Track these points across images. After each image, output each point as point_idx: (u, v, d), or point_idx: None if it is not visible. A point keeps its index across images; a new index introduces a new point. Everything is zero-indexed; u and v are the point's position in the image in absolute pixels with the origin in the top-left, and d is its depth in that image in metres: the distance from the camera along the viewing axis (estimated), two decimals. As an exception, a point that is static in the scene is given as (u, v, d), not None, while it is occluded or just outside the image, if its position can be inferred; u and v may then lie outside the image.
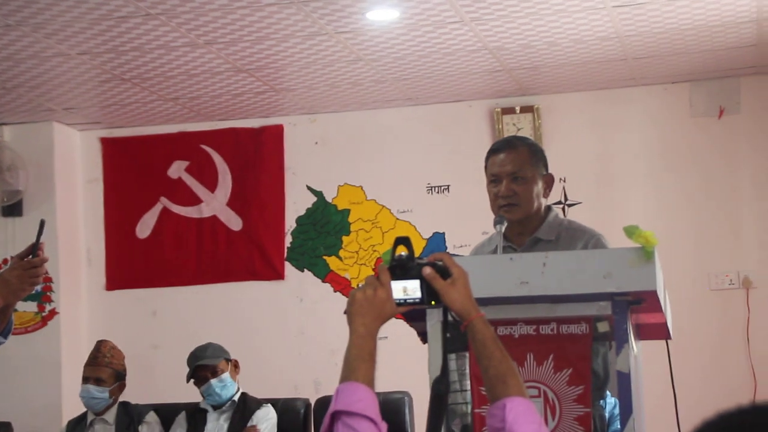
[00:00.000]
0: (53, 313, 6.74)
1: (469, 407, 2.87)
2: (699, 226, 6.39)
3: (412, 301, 2.35)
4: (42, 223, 3.42)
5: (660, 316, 2.98)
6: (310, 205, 6.88)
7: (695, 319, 6.18)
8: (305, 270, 6.84)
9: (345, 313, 2.35)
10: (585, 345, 2.81)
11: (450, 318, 2.38)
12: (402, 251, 2.36)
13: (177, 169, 7.00)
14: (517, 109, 6.58)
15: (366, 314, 2.30)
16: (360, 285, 2.36)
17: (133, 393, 6.06)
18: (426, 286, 2.34)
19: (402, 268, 2.34)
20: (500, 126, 6.54)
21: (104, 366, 5.70)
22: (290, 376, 6.60)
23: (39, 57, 5.47)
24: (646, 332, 3.14)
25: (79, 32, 5.11)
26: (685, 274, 6.21)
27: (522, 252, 3.46)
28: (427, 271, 2.34)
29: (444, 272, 2.35)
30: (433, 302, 2.35)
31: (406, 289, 2.34)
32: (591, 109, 6.59)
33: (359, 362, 2.27)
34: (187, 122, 6.92)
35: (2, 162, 6.63)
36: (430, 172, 6.73)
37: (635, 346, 2.93)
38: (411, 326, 3.10)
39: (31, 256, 3.40)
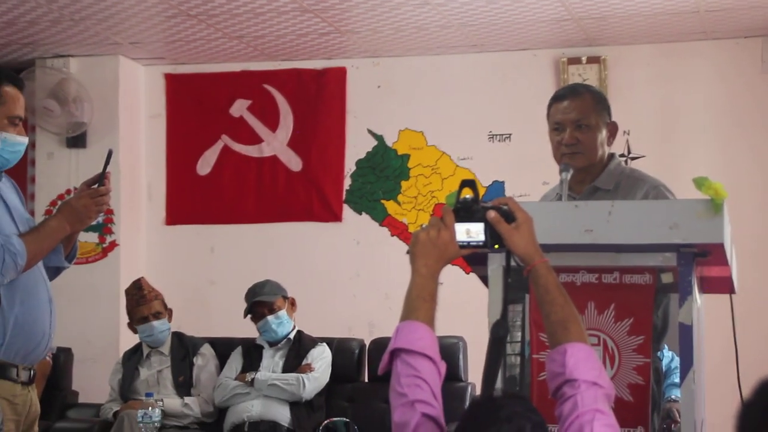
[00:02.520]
0: (113, 245, 6.83)
1: (518, 358, 2.86)
2: (765, 183, 6.29)
3: (475, 243, 2.34)
4: (110, 153, 3.45)
5: (725, 270, 2.94)
6: (370, 149, 6.87)
7: (760, 275, 6.10)
8: (363, 213, 6.86)
9: (408, 253, 2.35)
10: (648, 295, 2.78)
11: (513, 262, 2.38)
12: (467, 194, 2.35)
13: (239, 108, 7.02)
14: (584, 59, 6.49)
15: (429, 255, 2.30)
16: (424, 226, 2.36)
17: (190, 327, 6.14)
18: (490, 230, 2.33)
19: (467, 211, 2.33)
20: (565, 76, 6.46)
21: (154, 300, 5.77)
22: (345, 317, 6.64)
23: (107, -11, 5.49)
24: (709, 285, 3.10)
25: (148, -35, 5.13)
26: (750, 230, 6.12)
27: (580, 200, 3.43)
28: (492, 214, 2.33)
29: (508, 216, 2.34)
30: (496, 246, 2.34)
31: (470, 232, 2.34)
32: (659, 62, 6.48)
33: (420, 302, 2.27)
34: (251, 61, 6.93)
35: (68, 93, 6.69)
36: (493, 120, 6.69)
37: (698, 298, 2.90)
38: (472, 270, 3.09)
39: (97, 185, 3.44)
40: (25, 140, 3.41)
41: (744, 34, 6.30)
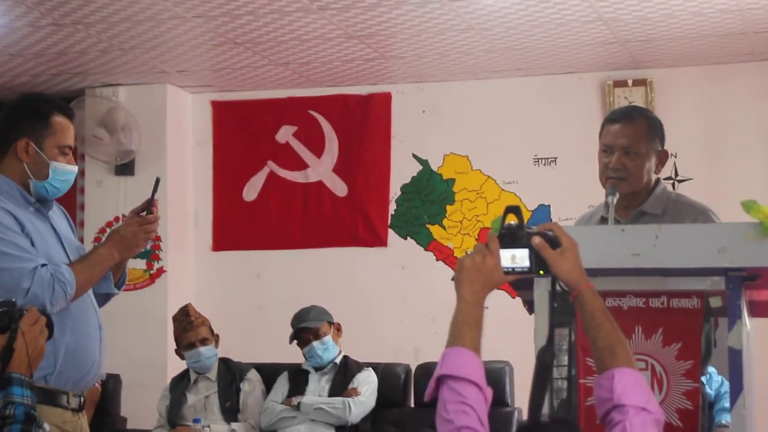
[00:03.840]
0: (161, 271, 6.89)
1: (565, 383, 2.84)
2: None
3: (520, 269, 2.34)
4: (157, 181, 3.49)
5: (774, 294, 2.92)
6: (415, 174, 6.89)
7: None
8: (408, 238, 6.87)
9: (453, 279, 2.35)
10: (696, 319, 2.76)
11: (558, 288, 2.37)
12: (512, 220, 2.35)
13: (285, 134, 7.07)
14: (630, 82, 6.47)
15: (474, 281, 2.30)
16: (469, 252, 2.36)
17: (236, 353, 6.17)
18: (535, 256, 2.33)
19: (511, 237, 2.33)
20: (611, 99, 6.44)
21: (201, 326, 5.80)
22: (390, 342, 6.64)
23: (155, 19, 5.56)
24: (759, 309, 3.07)
25: (195, -5, 5.19)
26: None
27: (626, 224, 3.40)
28: (537, 240, 2.32)
29: (554, 242, 2.33)
30: (541, 271, 2.33)
31: (515, 258, 2.33)
32: (706, 84, 6.44)
33: (466, 328, 2.27)
34: (297, 87, 6.98)
35: (117, 122, 6.77)
36: (538, 144, 6.68)
37: (748, 322, 2.87)
38: (517, 295, 3.08)
39: (145, 212, 3.48)
40: (74, 169, 3.45)
41: (792, 55, 6.25)
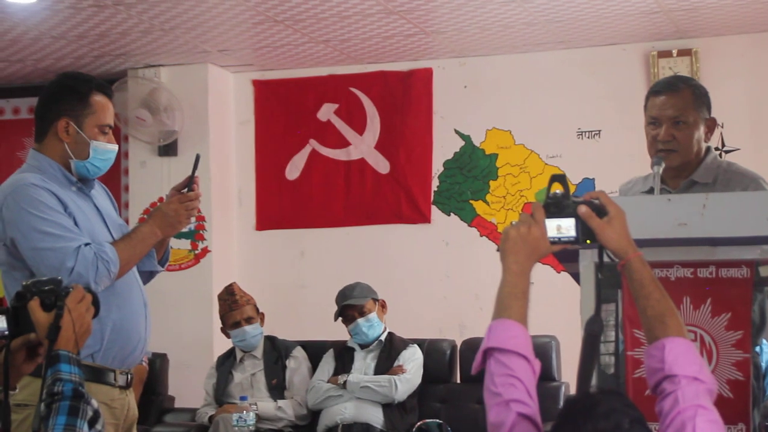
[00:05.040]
0: (206, 251, 6.92)
1: (612, 358, 2.81)
2: None
3: (566, 239, 2.31)
4: (197, 158, 3.48)
5: (825, 262, 2.86)
6: (457, 149, 6.85)
7: None
8: (452, 214, 6.84)
9: (498, 250, 2.33)
10: (745, 289, 2.71)
11: (606, 258, 2.33)
12: (557, 189, 2.32)
13: (326, 112, 7.05)
14: (674, 52, 6.38)
15: (520, 252, 2.27)
16: (514, 222, 2.33)
17: (281, 331, 6.19)
18: (581, 225, 2.29)
19: (557, 206, 2.30)
20: (656, 70, 6.35)
21: (246, 305, 5.82)
22: (435, 318, 6.62)
23: (195, -2, 5.56)
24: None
25: (234, -27, 5.18)
26: None
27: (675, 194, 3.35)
28: (583, 209, 2.29)
29: (600, 211, 2.30)
30: (588, 241, 2.30)
31: (561, 228, 2.30)
32: (752, 53, 6.34)
33: (512, 300, 2.24)
34: (337, 65, 6.96)
35: (159, 103, 6.79)
36: (581, 117, 6.61)
37: (798, 292, 2.83)
38: (563, 267, 3.05)
39: (186, 189, 3.48)
40: (115, 148, 3.46)
41: (841, 21, 6.13)
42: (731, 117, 6.20)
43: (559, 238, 2.30)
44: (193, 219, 3.54)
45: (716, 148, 6.21)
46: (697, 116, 3.44)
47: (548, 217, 2.29)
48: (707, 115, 3.48)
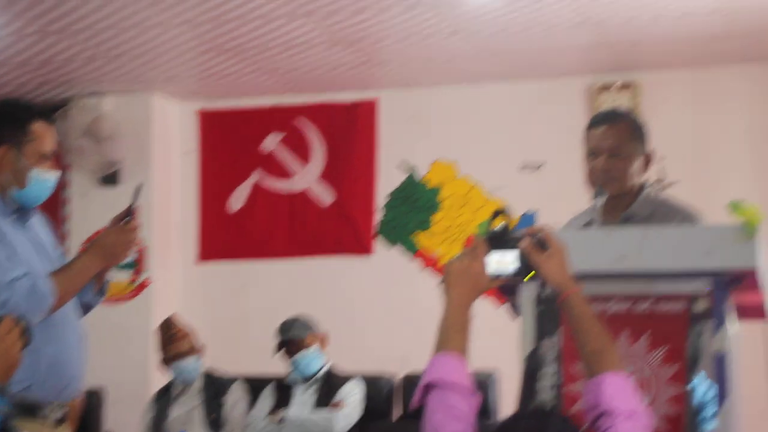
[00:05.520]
0: (145, 283, 6.85)
1: (551, 391, 2.81)
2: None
3: (508, 273, 2.32)
4: (138, 188, 3.45)
5: (759, 297, 2.89)
6: (401, 181, 6.86)
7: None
8: (394, 246, 6.83)
9: (440, 283, 2.33)
10: (682, 323, 2.74)
11: (547, 292, 2.35)
12: (499, 222, 2.33)
13: (271, 142, 7.04)
14: (616, 85, 6.46)
15: (462, 285, 2.28)
16: (456, 255, 2.34)
17: (222, 364, 6.13)
18: (522, 259, 2.30)
19: (499, 240, 2.31)
20: (598, 103, 6.43)
21: (185, 337, 5.75)
22: (378, 351, 6.60)
23: (141, 26, 5.53)
24: (743, 312, 3.05)
25: (181, 1, 5.16)
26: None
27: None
28: (525, 243, 2.30)
29: (542, 245, 2.31)
30: (529, 275, 2.31)
31: (502, 262, 2.31)
32: (692, 87, 6.43)
33: (453, 333, 2.25)
34: (283, 95, 6.95)
35: (102, 132, 6.73)
36: (524, 150, 6.66)
37: (734, 326, 2.85)
38: (503, 300, 3.05)
39: (126, 220, 3.44)
40: (55, 176, 3.41)
41: (779, 57, 6.25)
42: (672, 150, 6.26)
43: (501, 272, 2.31)
44: (133, 250, 3.50)
45: (657, 181, 6.28)
46: (633, 149, 3.48)
47: (490, 250, 2.30)
48: (644, 148, 3.53)
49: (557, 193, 6.34)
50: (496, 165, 6.68)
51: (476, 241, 2.32)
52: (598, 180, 3.47)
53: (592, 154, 3.50)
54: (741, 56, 6.20)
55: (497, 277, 2.31)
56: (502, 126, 6.68)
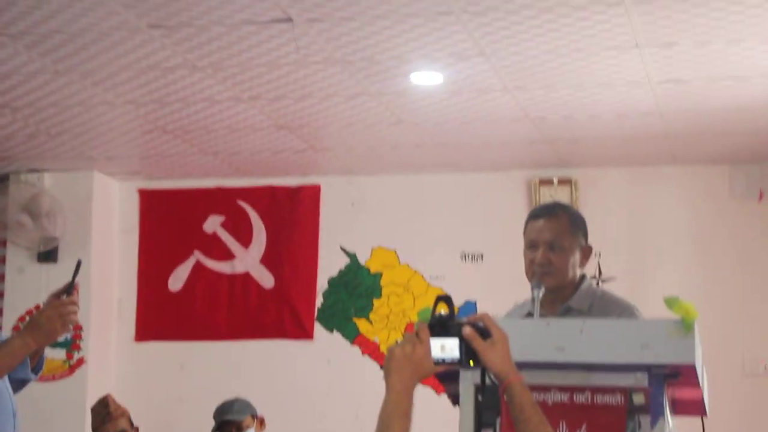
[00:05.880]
0: (81, 361, 6.74)
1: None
2: (734, 310, 6.31)
3: (450, 360, 2.33)
4: (78, 263, 3.42)
5: (697, 392, 2.93)
6: (342, 267, 6.87)
7: (726, 403, 6.07)
8: (335, 331, 6.82)
9: (382, 368, 2.33)
10: (620, 416, 2.76)
11: (488, 380, 2.36)
12: (442, 309, 2.35)
13: (212, 224, 7.03)
14: (555, 180, 6.57)
15: (403, 370, 2.28)
16: (398, 341, 2.35)
17: (156, 445, 6.03)
18: (465, 346, 2.32)
19: (442, 326, 2.32)
20: (537, 197, 6.53)
21: (119, 417, 5.65)
22: (315, 436, 6.54)
23: (84, 105, 5.53)
24: (681, 407, 3.09)
25: (125, 81, 5.18)
26: (717, 357, 6.11)
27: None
28: (467, 330, 2.32)
29: (484, 333, 2.33)
30: (471, 362, 2.33)
31: (445, 348, 2.32)
32: (629, 186, 6.57)
33: (394, 419, 2.24)
34: (226, 177, 6.97)
35: (41, 208, 6.67)
36: (465, 240, 6.72)
37: (670, 420, 2.88)
38: (443, 387, 3.06)
39: (65, 296, 3.40)
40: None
41: (712, 160, 6.40)
42: (608, 246, 6.37)
43: (443, 359, 2.32)
44: (70, 327, 3.45)
45: (593, 277, 6.36)
46: (572, 242, 3.54)
47: (433, 336, 2.31)
48: (583, 242, 3.58)
49: (497, 284, 6.40)
50: (436, 254, 6.73)
51: (419, 326, 2.33)
52: (537, 272, 3.52)
53: (532, 246, 3.55)
54: (674, 157, 6.36)
55: (440, 363, 2.32)
56: (443, 216, 6.75)
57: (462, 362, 2.31)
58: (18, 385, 3.46)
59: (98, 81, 5.18)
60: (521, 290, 3.80)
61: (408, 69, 5.00)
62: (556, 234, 3.54)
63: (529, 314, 3.43)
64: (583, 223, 3.63)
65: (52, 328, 3.35)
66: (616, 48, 4.67)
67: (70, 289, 3.41)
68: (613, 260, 6.44)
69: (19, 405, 3.43)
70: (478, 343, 2.30)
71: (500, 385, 2.31)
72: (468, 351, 2.31)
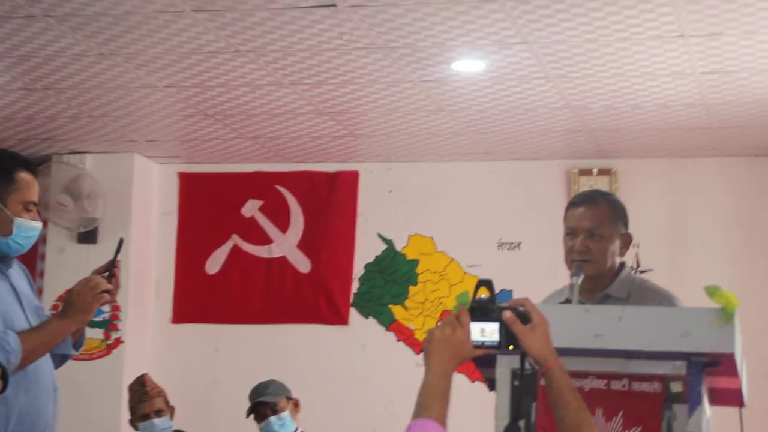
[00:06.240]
0: (118, 342, 6.80)
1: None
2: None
3: (489, 343, 2.34)
4: (120, 242, 3.45)
5: (735, 381, 2.92)
6: (379, 253, 6.88)
7: (765, 394, 6.02)
8: (370, 317, 6.84)
9: (422, 351, 2.34)
10: (657, 404, 2.76)
11: (528, 366, 2.37)
12: (483, 293, 2.35)
13: (250, 208, 7.06)
14: (595, 170, 6.55)
15: (443, 353, 2.29)
16: (439, 324, 2.36)
17: (192, 426, 6.08)
18: (505, 330, 2.33)
19: (482, 310, 2.33)
20: (576, 186, 6.50)
21: (156, 396, 5.71)
22: (348, 422, 6.57)
23: (127, 87, 5.57)
24: (719, 397, 3.07)
25: (168, 65, 5.21)
26: (757, 347, 6.06)
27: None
28: (507, 314, 2.33)
29: (524, 317, 2.34)
30: (511, 346, 2.33)
31: (485, 331, 2.33)
32: (669, 176, 6.53)
33: (433, 400, 2.25)
34: (264, 162, 6.99)
35: (82, 189, 6.73)
36: (502, 228, 6.71)
37: (708, 410, 2.88)
38: (479, 372, 3.07)
39: (107, 275, 3.44)
40: (39, 225, 3.42)
41: (754, 152, 6.35)
42: (647, 238, 6.33)
43: (483, 342, 2.33)
44: (104, 299, 3.46)
45: (631, 268, 6.33)
46: (612, 230, 3.53)
47: (473, 320, 2.32)
48: (623, 230, 3.57)
49: (533, 273, 6.39)
50: (473, 242, 6.72)
51: (460, 310, 2.34)
52: (576, 259, 3.51)
53: (572, 233, 3.55)
54: (716, 149, 6.32)
55: (479, 347, 2.33)
56: (480, 204, 6.74)
57: (502, 346, 2.32)
58: (59, 360, 3.50)
59: (141, 64, 5.21)
60: (558, 280, 3.80)
61: (450, 56, 4.99)
62: (595, 222, 3.53)
63: (567, 301, 3.43)
64: (624, 212, 3.62)
65: (86, 304, 3.39)
66: (660, 38, 4.64)
67: (111, 266, 3.44)
68: (651, 252, 6.41)
69: (58, 382, 3.46)
70: (518, 328, 2.31)
71: (539, 369, 2.31)
72: (508, 335, 2.31)
